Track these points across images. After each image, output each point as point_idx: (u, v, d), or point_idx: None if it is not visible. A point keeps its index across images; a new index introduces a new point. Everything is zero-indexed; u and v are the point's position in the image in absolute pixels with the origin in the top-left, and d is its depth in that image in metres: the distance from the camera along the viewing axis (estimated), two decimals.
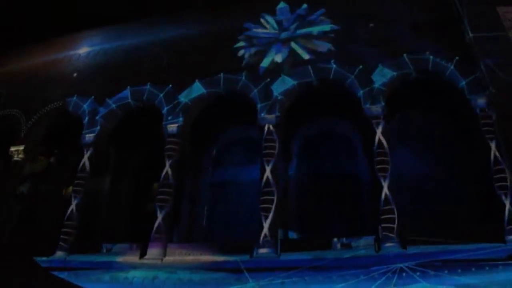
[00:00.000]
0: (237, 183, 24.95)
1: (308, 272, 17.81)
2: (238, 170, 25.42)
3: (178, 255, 20.59)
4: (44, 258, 21.88)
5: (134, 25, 28.91)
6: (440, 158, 21.84)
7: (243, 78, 23.43)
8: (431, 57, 21.13)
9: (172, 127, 23.61)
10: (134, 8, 30.07)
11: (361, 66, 21.74)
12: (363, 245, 18.42)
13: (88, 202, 24.50)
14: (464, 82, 20.47)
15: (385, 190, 18.95)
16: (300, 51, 23.72)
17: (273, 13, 25.85)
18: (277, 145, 21.61)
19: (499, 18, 21.55)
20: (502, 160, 18.46)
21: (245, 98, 23.18)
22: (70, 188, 24.78)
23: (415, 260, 16.91)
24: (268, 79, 22.88)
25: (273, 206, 20.23)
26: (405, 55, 21.53)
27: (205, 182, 26.11)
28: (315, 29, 24.35)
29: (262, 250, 19.34)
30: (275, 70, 23.27)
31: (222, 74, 23.80)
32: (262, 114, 22.23)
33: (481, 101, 19.97)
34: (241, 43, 25.25)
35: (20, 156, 26.76)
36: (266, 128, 21.98)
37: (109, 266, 20.93)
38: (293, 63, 23.33)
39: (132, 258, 21.05)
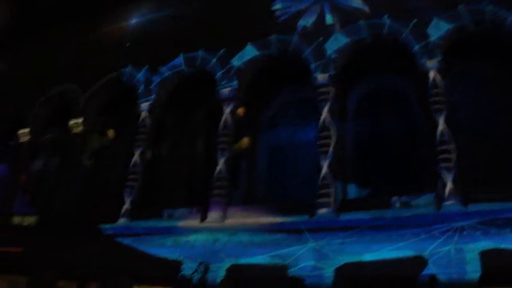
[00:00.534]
0: (293, 144, 25.02)
1: (367, 232, 17.97)
2: (294, 131, 25.50)
3: (238, 218, 21.03)
4: (108, 225, 22.98)
5: None
6: (501, 110, 21.28)
7: (296, 38, 23.36)
8: (489, 6, 20.43)
9: (226, 91, 23.98)
10: None
11: (415, 20, 21.23)
12: (423, 203, 18.25)
13: (148, 169, 25.36)
14: None
15: (444, 138, 18.80)
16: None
17: None
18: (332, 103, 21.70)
19: None
20: None
21: (298, 58, 23.13)
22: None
23: (477, 218, 16.71)
24: (321, 38, 22.70)
25: (328, 163, 20.43)
26: (460, 6, 20.89)
27: (262, 144, 26.29)
28: None
29: (322, 210, 19.50)
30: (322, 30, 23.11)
31: (274, 36, 23.80)
32: (316, 74, 22.19)
33: None
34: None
35: (80, 128, 27.83)
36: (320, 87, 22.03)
37: (171, 231, 21.70)
38: (342, 21, 23.09)
39: (193, 222, 21.68)
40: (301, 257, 18.58)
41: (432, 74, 20.17)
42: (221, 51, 24.79)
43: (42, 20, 34.46)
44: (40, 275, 23.58)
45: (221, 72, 24.44)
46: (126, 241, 21.89)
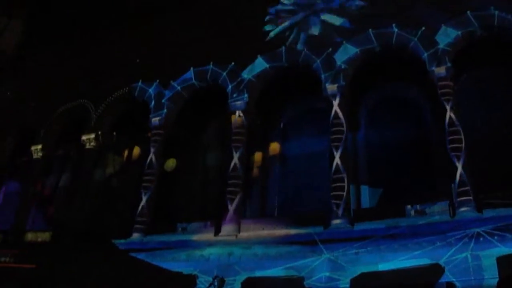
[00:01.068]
0: (306, 155, 25.09)
1: (383, 241, 18.02)
2: (306, 142, 25.59)
3: (252, 230, 21.15)
4: (122, 241, 22.98)
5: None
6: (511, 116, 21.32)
7: (305, 49, 23.61)
8: (496, 12, 20.56)
9: (238, 104, 24.22)
10: None
11: (423, 28, 21.45)
12: (437, 210, 18.31)
13: (161, 183, 25.56)
14: None
15: (458, 153, 18.91)
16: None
17: None
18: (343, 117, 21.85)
19: None
20: None
21: (309, 69, 23.39)
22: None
23: (492, 223, 16.76)
24: (330, 49, 22.94)
25: (345, 175, 20.55)
26: (468, 12, 21.04)
27: (274, 155, 26.43)
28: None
29: (336, 221, 19.59)
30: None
31: (283, 47, 24.06)
32: (326, 84, 22.37)
33: None
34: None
35: (92, 144, 28.14)
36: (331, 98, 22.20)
37: (185, 245, 21.84)
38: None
39: (207, 235, 21.84)
40: (316, 268, 18.58)
41: (441, 81, 20.29)
42: (231, 65, 25.09)
43: (53, 37, 34.96)
44: None
45: (232, 85, 24.69)
46: (140, 256, 21.84)
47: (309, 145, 25.03)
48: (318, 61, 22.99)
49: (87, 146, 28.20)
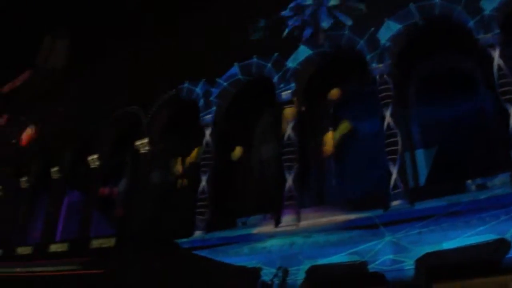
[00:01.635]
0: (359, 138, 25.02)
1: (445, 219, 17.75)
2: (358, 125, 25.51)
3: (312, 219, 21.22)
4: (184, 239, 23.54)
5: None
6: None
7: (347, 31, 23.49)
8: None
9: (286, 94, 24.38)
10: None
11: None
12: (499, 183, 17.94)
13: (219, 180, 26.05)
14: None
15: None
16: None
17: None
18: (392, 92, 21.69)
19: None
20: None
21: (353, 51, 23.29)
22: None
23: None
24: (373, 28, 22.73)
25: (399, 154, 20.42)
26: None
27: (328, 141, 26.27)
28: None
29: (395, 202, 19.47)
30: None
31: (326, 32, 24.06)
32: (373, 65, 22.26)
33: None
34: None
35: (146, 148, 28.88)
36: (378, 77, 22.07)
37: (246, 239, 22.17)
38: None
39: (268, 227, 22.10)
40: (380, 252, 18.54)
41: (496, 61, 19.74)
42: (275, 55, 25.22)
43: (97, 49, 35.91)
44: None
45: (278, 75, 24.85)
46: (203, 253, 22.29)
47: (361, 128, 24.97)
48: (362, 41, 22.82)
49: (141, 151, 28.99)
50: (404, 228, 18.35)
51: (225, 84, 26.89)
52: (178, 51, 30.11)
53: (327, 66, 24.68)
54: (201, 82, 27.73)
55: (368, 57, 22.48)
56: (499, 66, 19.51)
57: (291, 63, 24.73)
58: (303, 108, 24.84)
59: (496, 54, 19.73)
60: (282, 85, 24.55)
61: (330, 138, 25.00)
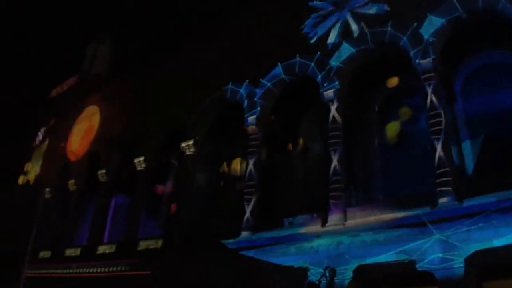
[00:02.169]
0: (404, 136, 24.96)
1: (494, 216, 17.50)
2: (403, 123, 25.43)
3: (358, 218, 21.27)
4: (231, 240, 23.98)
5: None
6: None
7: (389, 28, 23.44)
8: None
9: (330, 93, 24.49)
10: None
11: None
12: None
13: (264, 180, 26.35)
14: None
15: None
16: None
17: None
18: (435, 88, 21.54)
19: None
20: None
21: (396, 48, 23.20)
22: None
23: None
24: (415, 24, 22.59)
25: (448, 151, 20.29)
26: None
27: (373, 139, 26.52)
28: None
29: (443, 199, 19.27)
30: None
31: (368, 29, 24.08)
32: (417, 60, 22.10)
33: None
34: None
35: (192, 150, 29.41)
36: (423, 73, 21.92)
37: (293, 239, 22.36)
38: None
39: (314, 227, 22.22)
40: (428, 250, 18.44)
41: None
42: (317, 54, 25.40)
43: (142, 49, 36.72)
44: None
45: (321, 74, 25.00)
46: (250, 253, 22.58)
47: (406, 126, 24.91)
48: (405, 38, 22.70)
49: (187, 152, 29.52)
50: (453, 226, 18.19)
51: (268, 84, 27.16)
52: (222, 53, 30.66)
53: (371, 63, 24.65)
54: (245, 83, 28.11)
55: (412, 53, 22.34)
56: None
57: (334, 61, 24.83)
58: (348, 106, 24.85)
59: None
60: (325, 84, 24.67)
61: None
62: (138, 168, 32.87)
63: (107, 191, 35.87)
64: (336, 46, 25.02)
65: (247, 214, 24.78)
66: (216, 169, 31.84)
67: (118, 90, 39.39)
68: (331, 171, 22.98)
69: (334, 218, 21.81)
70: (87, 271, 25.80)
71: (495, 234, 17.40)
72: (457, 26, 22.12)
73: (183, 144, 29.74)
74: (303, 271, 20.11)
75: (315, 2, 26.74)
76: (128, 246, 28.00)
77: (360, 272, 19.90)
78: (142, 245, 26.35)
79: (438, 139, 20.42)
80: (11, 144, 47.51)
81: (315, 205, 23.62)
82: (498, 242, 17.26)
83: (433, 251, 18.37)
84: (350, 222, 21.37)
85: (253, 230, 24.25)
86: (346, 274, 19.92)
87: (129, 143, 34.58)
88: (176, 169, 32.81)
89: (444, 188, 19.51)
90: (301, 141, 28.65)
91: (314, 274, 19.29)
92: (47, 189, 40.89)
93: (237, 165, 30.50)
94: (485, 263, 17.67)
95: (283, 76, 26.78)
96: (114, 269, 24.52)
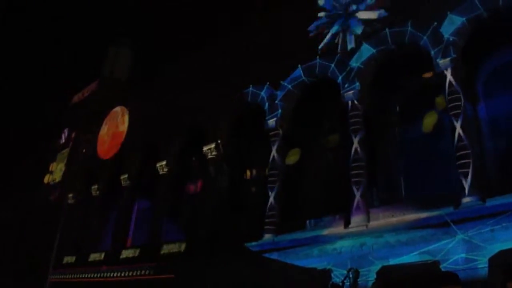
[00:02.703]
0: (425, 136, 24.92)
1: None
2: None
3: (381, 219, 21.44)
4: (254, 243, 24.28)
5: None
6: None
7: (409, 28, 23.49)
8: None
9: (350, 94, 24.67)
10: None
11: None
12: None
13: (287, 182, 26.61)
14: None
15: None
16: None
17: None
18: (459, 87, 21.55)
19: None
20: None
21: (417, 47, 23.27)
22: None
23: None
24: (435, 23, 22.60)
25: (470, 150, 20.22)
26: None
27: (394, 139, 26.64)
28: None
29: (466, 199, 19.32)
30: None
31: (387, 30, 24.19)
32: (437, 60, 22.14)
33: None
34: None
35: (214, 153, 29.81)
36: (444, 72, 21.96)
37: (316, 240, 22.59)
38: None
39: (337, 229, 22.46)
40: (451, 250, 18.53)
41: None
42: (337, 56, 25.62)
43: (158, 56, 37.30)
44: None
45: (342, 75, 25.18)
46: (273, 255, 22.86)
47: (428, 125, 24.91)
48: (425, 37, 22.73)
49: (209, 156, 29.97)
50: (476, 226, 18.24)
51: (289, 86, 27.42)
52: (242, 56, 30.96)
53: (392, 63, 24.75)
54: (266, 86, 28.43)
55: (432, 52, 22.38)
56: None
57: (354, 63, 25.00)
58: (369, 107, 25.03)
59: None
60: (346, 85, 24.84)
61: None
62: (160, 172, 33.30)
63: (129, 195, 36.39)
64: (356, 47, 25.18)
65: (270, 218, 25.08)
66: (238, 172, 32.11)
67: (139, 94, 39.92)
68: (352, 173, 23.19)
69: (357, 219, 21.98)
70: (111, 275, 26.12)
71: None
72: (477, 25, 22.09)
73: (205, 148, 30.20)
74: (327, 272, 20.21)
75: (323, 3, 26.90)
76: (152, 250, 28.31)
77: (384, 273, 20.03)
78: (165, 248, 26.62)
79: (462, 136, 20.46)
80: (36, 147, 48.89)
81: (338, 206, 23.74)
82: None
83: (456, 251, 18.45)
84: (373, 223, 21.53)
85: (276, 232, 24.48)
86: (369, 275, 20.09)
87: (151, 147, 35.00)
88: (198, 172, 33.13)
89: (467, 188, 19.51)
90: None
91: (337, 276, 19.42)
92: (70, 195, 41.49)
93: (259, 167, 30.70)
94: (510, 263, 17.68)
95: (304, 78, 27.02)
96: (138, 273, 24.78)
